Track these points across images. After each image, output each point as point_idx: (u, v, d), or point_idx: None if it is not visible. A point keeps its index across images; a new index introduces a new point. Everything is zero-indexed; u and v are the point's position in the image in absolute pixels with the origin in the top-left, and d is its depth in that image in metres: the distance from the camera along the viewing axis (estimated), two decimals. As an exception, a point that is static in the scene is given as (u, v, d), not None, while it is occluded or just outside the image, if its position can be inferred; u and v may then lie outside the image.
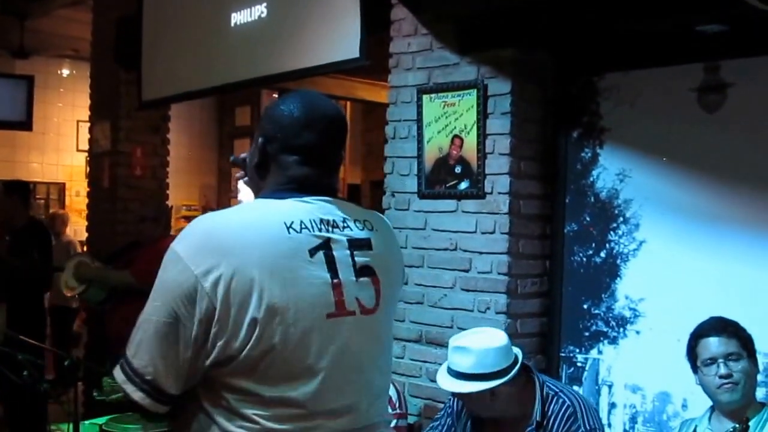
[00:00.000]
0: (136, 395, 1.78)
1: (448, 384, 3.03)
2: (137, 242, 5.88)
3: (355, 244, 1.91)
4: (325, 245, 1.86)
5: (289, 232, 1.82)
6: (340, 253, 1.87)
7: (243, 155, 2.14)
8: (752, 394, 2.81)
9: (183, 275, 1.75)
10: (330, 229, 1.88)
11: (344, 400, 1.87)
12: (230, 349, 1.75)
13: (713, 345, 2.78)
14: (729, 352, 2.75)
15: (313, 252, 1.83)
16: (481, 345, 3.00)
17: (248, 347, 1.74)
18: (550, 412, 3.01)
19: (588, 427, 2.99)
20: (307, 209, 1.88)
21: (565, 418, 2.99)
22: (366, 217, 2.00)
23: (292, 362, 1.79)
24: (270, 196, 1.92)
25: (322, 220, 1.88)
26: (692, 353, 2.85)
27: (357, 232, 1.93)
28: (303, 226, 1.84)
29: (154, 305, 1.79)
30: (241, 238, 1.78)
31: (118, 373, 1.81)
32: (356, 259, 1.90)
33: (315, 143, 1.95)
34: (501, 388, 2.96)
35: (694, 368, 2.86)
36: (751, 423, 2.71)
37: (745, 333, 2.81)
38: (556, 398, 3.04)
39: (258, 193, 2.00)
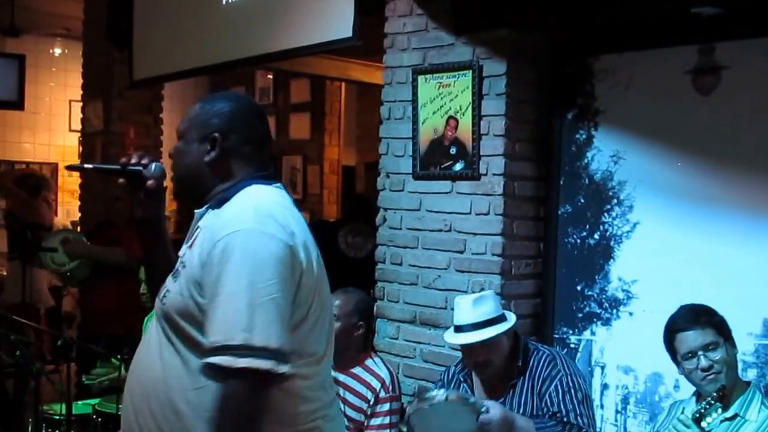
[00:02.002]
0: (294, 369, 1.89)
1: (461, 338, 3.19)
2: (109, 221, 5.90)
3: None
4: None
5: (297, 210, 2.11)
6: None
7: (124, 160, 2.29)
8: (735, 375, 2.82)
9: (283, 247, 1.92)
10: (297, 208, 2.16)
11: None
12: (301, 312, 1.98)
13: (690, 339, 2.79)
14: (706, 344, 2.77)
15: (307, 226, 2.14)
16: (477, 296, 3.25)
17: (311, 308, 2.00)
18: (531, 360, 3.21)
19: (568, 371, 3.15)
20: (285, 193, 2.15)
21: (545, 363, 3.18)
22: None
23: (325, 320, 2.10)
24: (257, 182, 2.11)
25: (293, 201, 2.17)
26: (671, 347, 2.87)
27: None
28: (294, 205, 2.14)
29: (271, 284, 1.87)
30: (291, 214, 2.04)
31: (258, 362, 1.82)
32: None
33: (265, 132, 2.21)
34: (501, 337, 3.16)
35: (675, 361, 2.88)
36: (736, 402, 2.74)
37: (717, 318, 2.83)
38: (536, 350, 3.25)
39: (198, 189, 2.14)
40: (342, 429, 2.25)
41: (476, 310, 3.17)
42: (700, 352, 2.76)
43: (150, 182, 2.25)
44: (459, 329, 3.20)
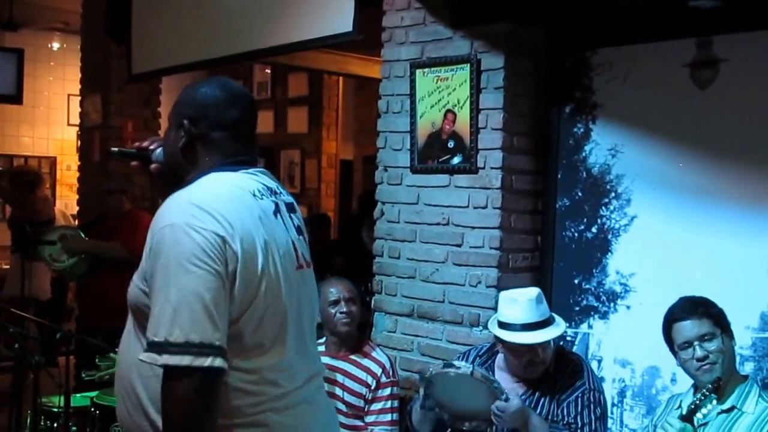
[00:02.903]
0: (217, 362, 1.83)
1: (531, 337, 3.13)
2: (104, 215, 5.91)
3: (289, 208, 2.19)
4: (278, 209, 2.11)
5: (255, 199, 2.05)
6: (285, 216, 2.14)
7: (137, 144, 2.32)
8: (732, 367, 2.82)
9: (210, 238, 1.88)
10: (274, 195, 2.13)
11: (305, 345, 2.17)
12: (243, 303, 1.93)
13: (686, 329, 2.81)
14: (702, 334, 2.78)
15: (275, 214, 2.09)
16: (536, 293, 3.22)
17: (255, 299, 1.95)
18: (561, 366, 3.22)
19: (592, 386, 3.16)
20: (255, 179, 2.11)
21: (572, 371, 3.20)
22: (280, 185, 2.25)
23: (282, 312, 2.03)
24: (222, 170, 2.08)
25: (267, 188, 2.13)
26: (668, 338, 2.88)
27: (287, 198, 2.21)
28: (261, 193, 2.08)
29: (195, 277, 1.85)
30: (234, 204, 1.98)
31: (177, 358, 1.81)
32: (293, 220, 2.18)
33: (240, 118, 2.15)
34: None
35: (673, 352, 2.89)
36: (734, 394, 2.75)
37: (715, 309, 2.83)
38: (566, 357, 3.28)
39: (179, 175, 2.12)
40: (310, 419, 2.13)
41: (538, 309, 3.16)
42: (696, 342, 2.77)
43: (153, 166, 2.28)
44: (513, 327, 3.15)
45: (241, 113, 2.16)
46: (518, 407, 2.99)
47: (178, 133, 2.14)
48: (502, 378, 3.23)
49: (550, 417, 3.13)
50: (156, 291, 1.88)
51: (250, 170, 2.12)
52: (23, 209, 6.74)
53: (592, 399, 3.13)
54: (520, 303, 3.17)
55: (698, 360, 2.76)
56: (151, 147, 2.30)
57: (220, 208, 1.93)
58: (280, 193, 2.18)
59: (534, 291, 3.24)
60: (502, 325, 3.18)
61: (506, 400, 2.98)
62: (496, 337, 3.24)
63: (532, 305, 3.16)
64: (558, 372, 3.21)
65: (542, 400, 3.18)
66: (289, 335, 2.06)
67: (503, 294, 3.31)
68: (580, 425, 3.08)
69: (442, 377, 3.09)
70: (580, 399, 3.12)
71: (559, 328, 3.20)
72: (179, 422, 1.83)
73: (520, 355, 3.18)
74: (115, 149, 2.45)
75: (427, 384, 3.14)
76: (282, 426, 2.03)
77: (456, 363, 3.12)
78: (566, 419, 3.10)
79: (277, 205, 2.11)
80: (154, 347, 1.83)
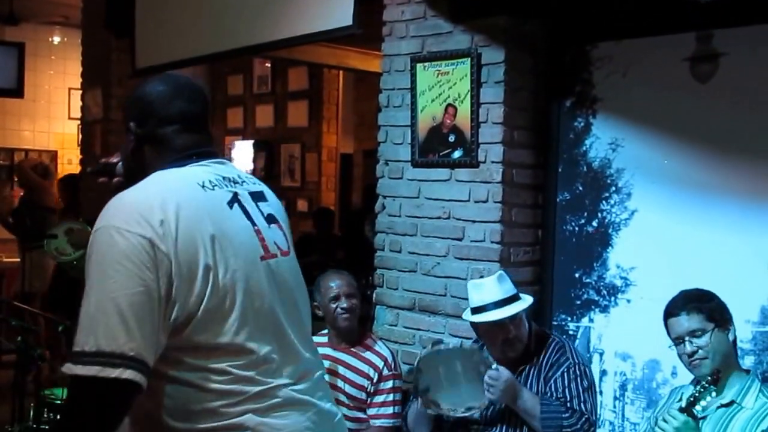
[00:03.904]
0: (126, 374, 1.70)
1: (494, 314, 3.22)
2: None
3: (255, 196, 2.08)
4: (235, 198, 2.01)
5: (204, 190, 1.94)
6: (249, 205, 2.03)
7: (104, 160, 2.28)
8: (732, 362, 2.82)
9: (135, 242, 1.77)
10: (232, 184, 2.03)
11: (290, 338, 2.03)
12: (188, 304, 1.81)
13: (677, 324, 2.83)
14: (692, 330, 2.78)
15: (230, 204, 1.98)
16: (498, 274, 3.34)
17: (205, 298, 1.83)
18: (542, 346, 3.29)
19: (576, 360, 3.24)
20: (207, 170, 2.01)
21: (555, 349, 3.27)
22: (247, 174, 2.17)
23: (244, 306, 1.90)
24: (169, 167, 2.00)
25: (224, 177, 2.03)
26: (667, 331, 2.90)
27: (252, 186, 2.10)
28: (213, 184, 1.98)
29: (113, 283, 1.74)
30: (170, 201, 1.85)
31: (85, 368, 1.70)
32: (261, 209, 2.07)
33: (188, 109, 2.07)
34: (523, 313, 3.26)
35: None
36: (734, 389, 2.76)
37: (711, 304, 2.83)
38: (546, 337, 3.35)
39: (136, 182, 2.00)
40: (301, 423, 1.99)
41: (502, 287, 3.25)
42: (687, 338, 2.79)
43: (115, 179, 2.23)
44: (484, 309, 3.25)
45: (188, 104, 2.08)
46: (509, 376, 3.08)
47: (127, 137, 2.08)
48: None
49: (539, 395, 3.19)
50: (83, 298, 1.77)
51: (203, 162, 2.03)
52: (46, 196, 7.34)
53: (578, 372, 3.20)
54: (484, 285, 3.28)
55: (688, 355, 2.78)
56: (114, 160, 2.26)
57: (150, 208, 1.82)
58: (243, 182, 2.08)
59: (496, 274, 3.36)
60: (474, 312, 3.28)
61: (497, 369, 3.07)
62: (471, 325, 3.35)
63: (495, 285, 3.25)
64: (540, 351, 3.29)
65: (530, 381, 3.24)
66: (258, 328, 1.93)
67: (469, 283, 3.40)
68: (569, 398, 3.14)
69: (433, 358, 3.14)
70: (566, 374, 3.19)
71: (524, 302, 3.28)
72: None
73: (493, 336, 3.25)
74: (90, 169, 2.39)
75: (418, 372, 3.19)
76: (267, 427, 1.91)
77: (444, 341, 3.21)
78: (555, 395, 3.17)
79: (235, 194, 2.00)
80: (72, 357, 1.73)
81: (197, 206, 1.89)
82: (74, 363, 1.72)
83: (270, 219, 2.09)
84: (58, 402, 4.01)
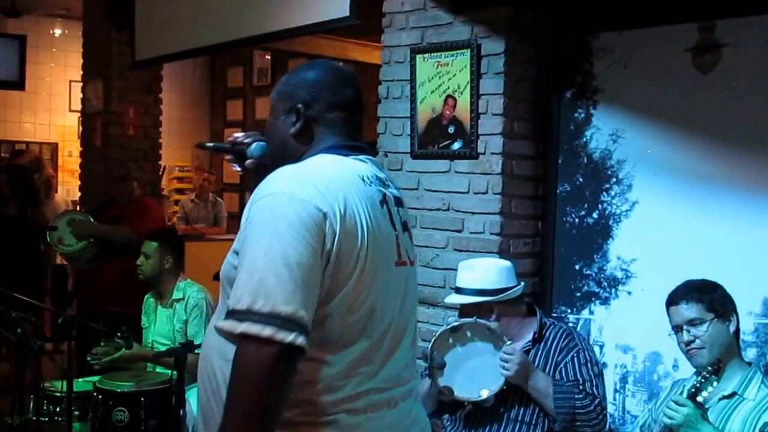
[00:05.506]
0: (299, 340, 1.67)
1: (454, 298, 3.30)
2: (113, 200, 5.92)
3: (397, 202, 2.07)
4: (385, 200, 2.00)
5: (365, 185, 1.94)
6: (392, 209, 2.02)
7: (231, 139, 2.28)
8: (733, 352, 2.80)
9: (313, 213, 1.77)
10: (383, 186, 2.02)
11: (396, 345, 1.99)
12: (330, 287, 1.80)
13: (676, 313, 2.83)
14: (690, 319, 2.78)
15: (381, 204, 1.97)
16: (486, 264, 3.33)
17: (346, 286, 1.82)
18: (547, 333, 3.26)
19: (585, 346, 3.23)
20: (365, 167, 2.01)
21: (563, 335, 3.25)
22: (390, 178, 2.14)
23: (372, 304, 1.89)
24: (333, 152, 2.00)
25: (377, 177, 2.02)
26: (669, 320, 2.89)
27: (395, 191, 2.09)
28: (370, 180, 1.98)
29: (288, 246, 1.72)
30: (340, 184, 1.87)
31: (257, 327, 1.66)
32: (400, 214, 2.06)
33: (354, 99, 2.11)
34: (502, 308, 3.23)
35: None
36: (736, 381, 2.75)
37: (713, 295, 2.82)
38: (553, 324, 3.31)
39: (289, 163, 1.99)
40: (389, 424, 1.95)
41: (490, 277, 3.26)
42: (685, 327, 2.79)
43: (248, 161, 2.26)
44: (460, 291, 3.31)
45: (355, 93, 2.12)
46: (523, 355, 3.09)
47: (288, 118, 2.07)
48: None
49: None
50: (244, 257, 1.75)
51: (361, 156, 2.04)
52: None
53: (588, 357, 3.19)
54: (474, 267, 3.30)
55: (685, 344, 2.79)
56: (246, 141, 2.28)
57: (325, 183, 1.83)
58: (389, 185, 2.07)
59: (505, 263, 3.36)
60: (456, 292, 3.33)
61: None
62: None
63: (484, 272, 3.27)
64: (547, 338, 3.25)
65: (538, 361, 3.21)
66: (377, 331, 1.91)
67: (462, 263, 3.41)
68: (581, 381, 3.12)
69: (449, 336, 3.16)
70: (575, 358, 3.18)
71: (499, 295, 3.23)
72: (245, 395, 1.66)
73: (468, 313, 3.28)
74: (210, 144, 2.43)
75: (432, 355, 3.17)
76: (353, 427, 1.86)
77: (457, 320, 3.23)
78: (566, 379, 3.15)
79: (384, 195, 1.99)
80: (235, 315, 1.69)
81: (360, 197, 1.90)
82: (240, 321, 1.68)
83: (404, 226, 2.09)
84: (58, 395, 4.00)
